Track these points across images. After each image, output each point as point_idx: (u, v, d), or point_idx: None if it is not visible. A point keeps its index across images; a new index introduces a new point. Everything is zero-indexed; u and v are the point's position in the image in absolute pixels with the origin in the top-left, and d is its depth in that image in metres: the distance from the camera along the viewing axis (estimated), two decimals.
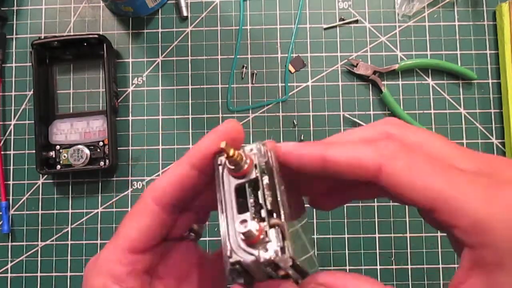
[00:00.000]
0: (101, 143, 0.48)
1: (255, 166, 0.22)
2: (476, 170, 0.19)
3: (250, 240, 0.19)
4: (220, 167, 0.22)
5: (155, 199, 0.23)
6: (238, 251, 0.20)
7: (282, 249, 0.20)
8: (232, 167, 0.21)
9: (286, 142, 0.23)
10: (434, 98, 0.49)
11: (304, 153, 0.22)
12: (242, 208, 0.22)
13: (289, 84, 0.49)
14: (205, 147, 0.23)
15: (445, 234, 0.42)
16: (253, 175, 0.22)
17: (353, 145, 0.21)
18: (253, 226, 0.19)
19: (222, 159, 0.22)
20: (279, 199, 0.21)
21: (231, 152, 0.21)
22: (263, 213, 0.21)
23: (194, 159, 0.23)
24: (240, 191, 0.22)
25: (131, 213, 0.24)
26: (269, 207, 0.21)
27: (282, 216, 0.21)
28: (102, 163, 0.47)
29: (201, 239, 0.47)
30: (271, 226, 0.20)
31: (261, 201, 0.21)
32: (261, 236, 0.20)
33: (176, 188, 0.23)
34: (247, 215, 0.21)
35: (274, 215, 0.21)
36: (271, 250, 0.19)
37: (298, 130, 0.49)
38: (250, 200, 0.21)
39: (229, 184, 0.22)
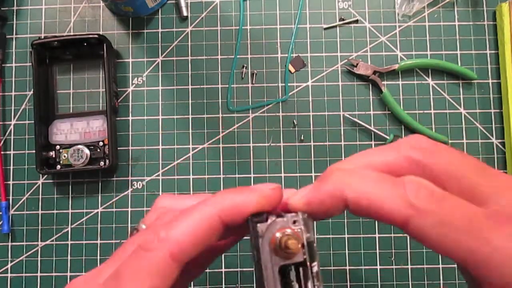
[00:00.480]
0: (101, 143, 0.48)
1: (302, 245, 0.20)
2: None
3: None
4: (260, 239, 0.20)
5: (174, 256, 0.19)
6: None
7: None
8: (284, 254, 0.20)
9: (295, 191, 0.21)
10: (434, 98, 0.49)
11: (324, 198, 0.19)
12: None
13: (289, 84, 0.49)
14: (243, 205, 0.20)
15: None
16: (300, 258, 0.20)
17: (376, 182, 0.19)
18: None
19: (262, 228, 0.20)
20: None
21: (291, 244, 0.19)
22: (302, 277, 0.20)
23: (226, 214, 0.20)
24: (282, 269, 0.20)
25: (140, 268, 0.19)
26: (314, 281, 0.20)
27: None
28: (102, 163, 0.47)
29: None
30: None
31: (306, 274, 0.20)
32: None
33: (200, 243, 0.20)
34: None
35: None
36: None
37: (298, 130, 0.49)
38: (296, 286, 0.20)
39: (271, 261, 0.20)
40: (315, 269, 0.20)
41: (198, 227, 0.20)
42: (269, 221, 0.20)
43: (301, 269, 0.20)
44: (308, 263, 0.20)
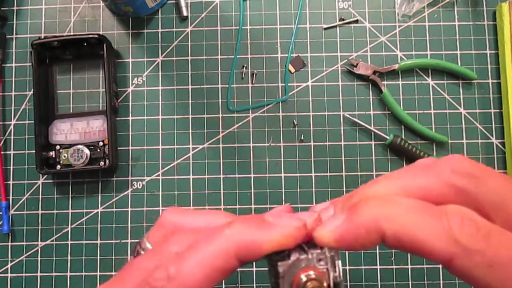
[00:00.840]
0: (101, 143, 0.48)
1: (328, 287, 0.19)
2: None
3: None
4: (281, 280, 0.19)
5: None
6: None
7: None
8: None
9: (315, 216, 0.20)
10: (434, 98, 0.49)
11: (358, 232, 0.17)
12: None
13: (289, 84, 0.49)
14: (262, 243, 0.18)
15: None
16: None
17: (417, 214, 0.17)
18: None
19: (284, 268, 0.19)
20: None
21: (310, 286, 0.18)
22: None
23: (242, 252, 0.18)
24: None
25: None
26: None
27: None
28: (102, 163, 0.47)
29: None
30: None
31: None
32: None
33: (211, 281, 0.18)
34: None
35: None
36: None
37: (298, 130, 0.49)
38: None
39: None
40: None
41: (211, 264, 0.18)
42: (292, 258, 0.19)
43: None
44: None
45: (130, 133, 0.49)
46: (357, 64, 0.49)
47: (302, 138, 0.49)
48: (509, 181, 0.18)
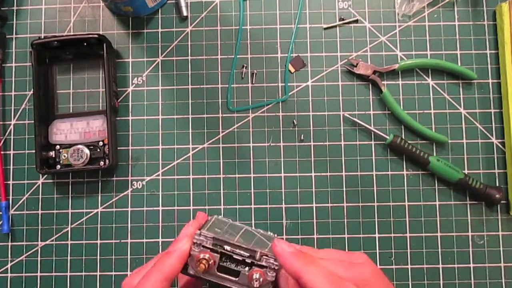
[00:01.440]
0: (101, 143, 0.48)
1: (210, 250, 0.33)
2: None
3: (263, 279, 0.33)
4: (196, 273, 0.33)
5: None
6: None
7: (277, 264, 0.33)
8: (207, 267, 0.32)
9: (287, 243, 0.32)
10: (434, 98, 0.49)
11: (287, 262, 0.31)
12: (233, 274, 0.33)
13: (289, 84, 0.49)
14: (177, 267, 0.32)
15: (445, 234, 0.44)
16: (217, 257, 0.33)
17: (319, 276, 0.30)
18: (257, 275, 0.32)
19: (192, 271, 0.33)
20: (244, 246, 0.33)
21: (202, 266, 0.32)
22: (248, 260, 0.33)
23: (169, 276, 0.32)
24: (220, 269, 0.33)
25: None
26: (247, 255, 0.33)
27: (258, 249, 0.33)
28: (102, 163, 0.47)
29: None
30: (260, 259, 0.33)
31: (239, 258, 0.33)
32: (264, 271, 0.33)
33: None
34: (245, 273, 0.33)
35: (253, 253, 0.33)
36: (271, 273, 0.33)
37: (298, 130, 0.49)
38: (232, 266, 0.33)
39: (210, 273, 0.33)
40: (227, 248, 0.33)
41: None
42: (189, 266, 0.33)
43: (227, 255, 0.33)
44: (225, 251, 0.33)
45: (130, 133, 0.49)
46: (357, 64, 0.49)
47: (302, 138, 0.49)
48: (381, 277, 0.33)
